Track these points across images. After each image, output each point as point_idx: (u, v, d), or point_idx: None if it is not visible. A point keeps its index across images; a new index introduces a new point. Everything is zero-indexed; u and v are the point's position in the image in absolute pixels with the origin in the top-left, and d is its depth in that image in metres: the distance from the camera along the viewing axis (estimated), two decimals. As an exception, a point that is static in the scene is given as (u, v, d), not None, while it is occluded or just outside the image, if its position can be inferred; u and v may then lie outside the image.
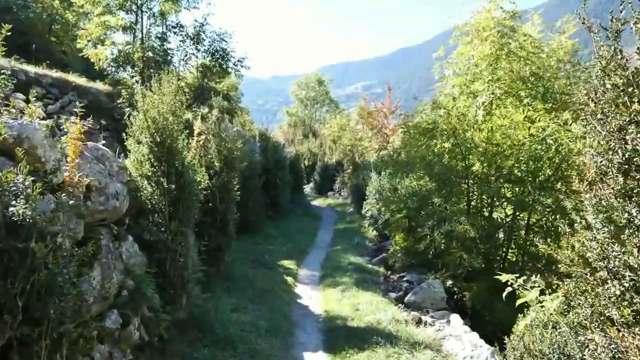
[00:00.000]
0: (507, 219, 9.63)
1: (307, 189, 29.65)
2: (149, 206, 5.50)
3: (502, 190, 9.68)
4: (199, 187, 7.64)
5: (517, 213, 9.31)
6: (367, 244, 13.97)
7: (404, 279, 9.94)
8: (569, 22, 10.37)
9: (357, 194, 19.87)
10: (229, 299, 7.43)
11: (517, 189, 9.63)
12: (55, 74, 15.10)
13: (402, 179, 10.88)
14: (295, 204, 19.91)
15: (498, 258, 9.38)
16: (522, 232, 9.58)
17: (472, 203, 10.11)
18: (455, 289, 9.21)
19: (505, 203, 9.84)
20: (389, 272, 10.65)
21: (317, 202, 25.89)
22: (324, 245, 13.92)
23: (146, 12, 19.17)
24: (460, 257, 8.74)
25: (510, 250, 9.64)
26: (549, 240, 9.26)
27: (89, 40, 18.10)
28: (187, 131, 6.41)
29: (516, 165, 8.82)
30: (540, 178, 8.74)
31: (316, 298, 8.77)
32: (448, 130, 9.59)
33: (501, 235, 9.41)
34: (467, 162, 9.87)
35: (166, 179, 5.55)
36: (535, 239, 9.37)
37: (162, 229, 5.55)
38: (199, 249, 7.90)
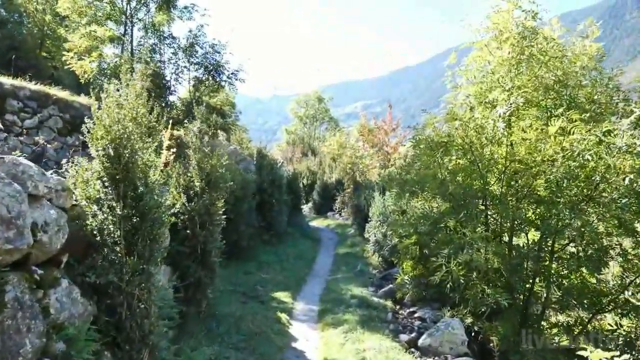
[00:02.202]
0: (533, 246, 8.43)
1: (306, 209, 28.40)
2: (98, 238, 4.28)
3: (525, 212, 8.51)
4: (170, 212, 6.44)
5: (547, 239, 8.11)
6: (371, 271, 12.67)
7: (416, 315, 8.65)
8: (592, 25, 9.36)
9: (359, 214, 18.65)
10: (209, 346, 6.15)
11: (541, 211, 8.45)
12: (34, 86, 14.02)
13: (410, 200, 9.68)
14: (292, 226, 18.64)
15: (524, 291, 8.15)
16: (547, 260, 8.39)
17: (491, 227, 8.93)
18: (476, 328, 7.94)
19: (527, 227, 8.66)
20: (398, 307, 9.35)
21: (316, 222, 24.60)
22: (323, 272, 12.61)
23: (136, 23, 18.31)
24: (483, 292, 7.48)
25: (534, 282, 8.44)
26: (583, 270, 8.05)
27: (75, 53, 17.18)
28: (156, 143, 5.27)
29: (545, 184, 7.64)
30: (573, 198, 7.57)
31: (314, 341, 7.47)
32: (464, 144, 8.45)
33: (525, 264, 8.18)
34: (484, 181, 8.74)
35: (121, 202, 4.36)
36: (566, 268, 8.20)
37: (117, 268, 4.34)
38: (174, 285, 6.69)
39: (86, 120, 4.57)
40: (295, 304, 9.47)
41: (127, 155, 4.45)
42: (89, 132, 4.49)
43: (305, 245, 16.59)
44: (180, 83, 18.91)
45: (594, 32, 9.22)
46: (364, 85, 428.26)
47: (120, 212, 4.32)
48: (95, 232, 4.27)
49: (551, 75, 8.43)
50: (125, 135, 4.44)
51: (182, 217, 6.70)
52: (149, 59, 17.97)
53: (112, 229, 4.33)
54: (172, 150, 6.95)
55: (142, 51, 18.12)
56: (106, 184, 4.36)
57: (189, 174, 7.02)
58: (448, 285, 7.85)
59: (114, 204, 4.32)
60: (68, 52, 17.18)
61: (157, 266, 4.80)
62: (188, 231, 6.71)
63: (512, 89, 8.49)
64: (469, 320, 7.97)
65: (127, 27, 18.07)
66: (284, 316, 8.35)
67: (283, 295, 9.73)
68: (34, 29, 23.49)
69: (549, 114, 8.32)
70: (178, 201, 6.69)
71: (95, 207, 4.33)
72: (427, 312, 8.51)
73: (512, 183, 8.73)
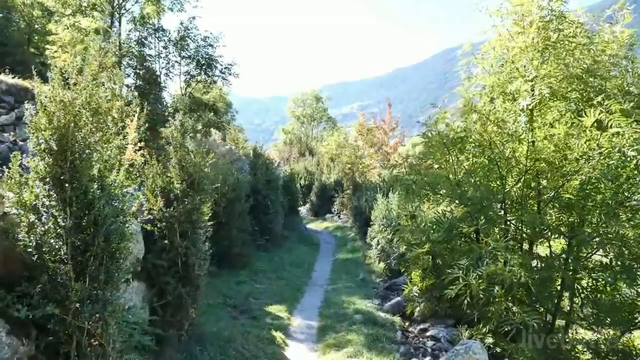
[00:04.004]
0: (559, 256, 7.51)
1: (303, 210, 27.42)
2: (36, 257, 3.30)
3: (548, 218, 7.59)
4: (144, 220, 5.48)
5: (576, 248, 7.19)
6: (374, 279, 11.69)
7: (428, 333, 7.69)
8: (623, 9, 8.44)
9: (359, 217, 17.68)
10: (189, 379, 5.18)
11: (571, 216, 7.52)
12: (12, 80, 13.05)
13: (421, 204, 8.72)
14: (289, 229, 17.66)
15: (551, 307, 7.22)
16: (577, 272, 7.47)
17: (510, 235, 8.00)
18: (499, 350, 6.98)
19: (551, 234, 7.73)
20: (407, 323, 8.38)
21: (314, 225, 23.63)
22: (322, 281, 11.62)
23: (124, 14, 17.29)
24: (507, 310, 6.54)
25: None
26: (621, 284, 7.12)
27: (60, 46, 16.16)
28: (122, 137, 4.31)
29: (579, 186, 6.72)
30: (609, 202, 6.64)
31: (314, 367, 6.51)
32: (482, 141, 7.52)
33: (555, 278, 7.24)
34: (503, 183, 7.84)
35: (68, 210, 3.38)
36: (600, 281, 7.27)
37: (62, 295, 3.36)
38: (151, 304, 5.72)
39: (26, 106, 3.62)
40: (292, 319, 8.48)
41: (76, 149, 3.47)
42: (31, 121, 3.52)
43: (303, 250, 15.61)
44: (171, 79, 17.96)
45: (625, 17, 8.29)
46: (360, 86, 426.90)
47: (64, 223, 3.34)
48: (31, 250, 3.29)
49: (581, 63, 7.52)
50: (73, 124, 3.46)
51: (159, 225, 5.71)
52: (137, 53, 17.00)
53: (55, 244, 3.36)
54: (138, 144, 5.96)
55: (130, 44, 17.13)
56: (47, 186, 3.38)
57: (168, 174, 6.03)
58: (466, 301, 6.90)
59: (57, 213, 3.34)
60: (51, 45, 16.17)
61: (117, 290, 3.81)
62: (166, 241, 5.72)
63: (536, 79, 7.57)
64: (489, 340, 7.02)
65: (114, 19, 17.04)
66: (279, 335, 7.37)
67: (278, 309, 8.75)
68: (21, 24, 22.52)
69: (578, 106, 7.46)
70: (154, 206, 5.70)
71: (32, 217, 3.35)
72: (441, 331, 7.55)
73: (533, 185, 7.84)
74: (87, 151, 3.50)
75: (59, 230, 3.37)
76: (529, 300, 7.02)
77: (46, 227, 3.35)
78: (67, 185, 3.39)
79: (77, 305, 3.40)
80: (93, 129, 3.73)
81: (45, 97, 3.48)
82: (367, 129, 28.04)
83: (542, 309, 7.35)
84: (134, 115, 7.03)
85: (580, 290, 6.92)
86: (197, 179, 6.11)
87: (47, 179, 3.41)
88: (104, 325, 3.59)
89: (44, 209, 3.38)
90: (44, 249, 3.31)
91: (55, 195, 3.39)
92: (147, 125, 8.38)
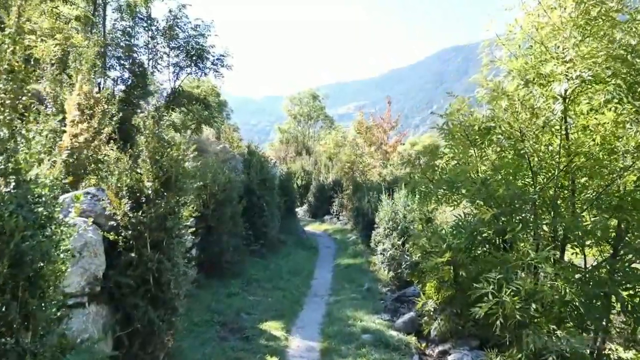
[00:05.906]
0: (599, 266, 6.45)
1: (300, 212, 26.29)
2: None
3: (586, 222, 6.54)
4: (107, 228, 4.35)
5: (624, 257, 6.15)
6: (380, 289, 10.56)
7: (449, 357, 6.58)
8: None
9: (361, 219, 16.56)
10: None
11: (608, 220, 6.44)
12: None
13: (438, 205, 7.61)
14: (286, 232, 16.51)
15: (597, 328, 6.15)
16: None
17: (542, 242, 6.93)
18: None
19: (588, 240, 6.67)
20: (424, 345, 7.27)
21: (312, 227, 22.49)
22: (323, 291, 10.46)
23: (109, 2, 16.09)
24: (550, 334, 5.45)
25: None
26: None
27: (38, 36, 14.95)
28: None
29: (638, 184, 5.68)
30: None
31: (317, 405, 5.39)
32: (512, 132, 6.48)
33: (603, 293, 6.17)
34: (534, 181, 6.82)
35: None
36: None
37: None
38: (114, 333, 4.58)
39: None
40: (290, 339, 7.34)
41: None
42: None
43: (301, 256, 14.46)
44: (160, 72, 16.78)
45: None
46: (356, 87, 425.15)
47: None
48: None
49: (625, 42, 6.48)
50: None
51: (124, 234, 4.58)
52: (124, 44, 15.83)
53: None
54: (82, 129, 4.80)
55: (116, 34, 15.95)
56: None
57: (138, 170, 4.90)
58: (498, 322, 5.79)
59: None
60: (30, 34, 14.96)
61: (47, 333, 2.68)
62: (133, 254, 4.59)
63: (574, 60, 6.50)
64: (524, 368, 5.91)
65: (97, 6, 15.84)
66: (275, 361, 6.24)
67: (274, 327, 7.62)
68: (1, 15, 21.25)
69: (622, 91, 6.45)
70: (118, 210, 4.57)
71: None
72: (465, 355, 6.44)
73: (566, 183, 6.82)
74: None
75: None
76: (572, 321, 5.95)
77: None
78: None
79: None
80: (7, 103, 2.61)
81: None
82: (366, 127, 27.16)
83: (581, 331, 6.30)
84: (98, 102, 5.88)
85: (636, 308, 5.85)
86: (174, 176, 4.97)
87: None
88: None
89: None
90: None
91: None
92: (120, 114, 7.27)
